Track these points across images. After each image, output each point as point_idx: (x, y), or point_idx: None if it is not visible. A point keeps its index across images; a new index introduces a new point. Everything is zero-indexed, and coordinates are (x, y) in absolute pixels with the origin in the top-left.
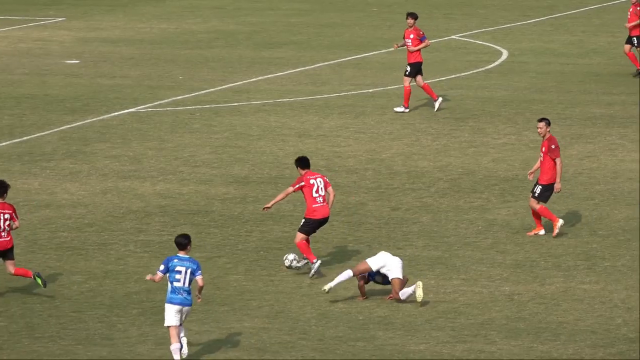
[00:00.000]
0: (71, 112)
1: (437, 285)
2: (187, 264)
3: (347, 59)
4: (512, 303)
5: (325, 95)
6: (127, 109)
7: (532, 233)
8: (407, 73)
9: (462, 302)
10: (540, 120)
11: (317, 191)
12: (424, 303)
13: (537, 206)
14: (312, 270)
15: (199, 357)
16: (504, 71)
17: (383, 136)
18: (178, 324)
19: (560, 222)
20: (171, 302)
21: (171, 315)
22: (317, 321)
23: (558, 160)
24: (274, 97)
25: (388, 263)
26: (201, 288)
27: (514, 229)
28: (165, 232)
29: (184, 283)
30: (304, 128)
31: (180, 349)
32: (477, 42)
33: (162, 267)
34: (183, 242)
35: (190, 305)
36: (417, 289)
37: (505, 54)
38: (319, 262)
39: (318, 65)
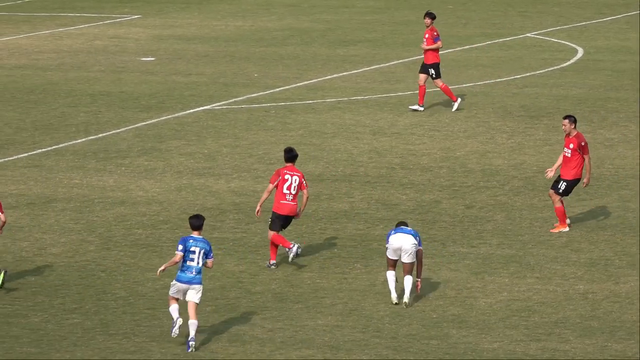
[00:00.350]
0: (146, 110)
1: (511, 284)
2: (201, 244)
3: (421, 56)
4: (586, 302)
5: (400, 93)
6: (202, 107)
7: (556, 230)
8: (433, 76)
9: (536, 301)
10: (565, 117)
11: (288, 188)
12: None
13: (559, 204)
14: (291, 255)
15: (272, 355)
16: (579, 69)
17: (457, 134)
18: (179, 297)
19: (567, 229)
20: (179, 281)
21: (175, 291)
22: (390, 319)
23: (587, 157)
24: (349, 95)
25: (403, 246)
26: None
27: (589, 227)
28: (239, 229)
29: (197, 263)
30: (378, 126)
31: (174, 327)
32: (552, 39)
33: (180, 247)
34: (197, 224)
35: (200, 284)
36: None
37: (580, 52)
38: (297, 245)
39: (392, 63)
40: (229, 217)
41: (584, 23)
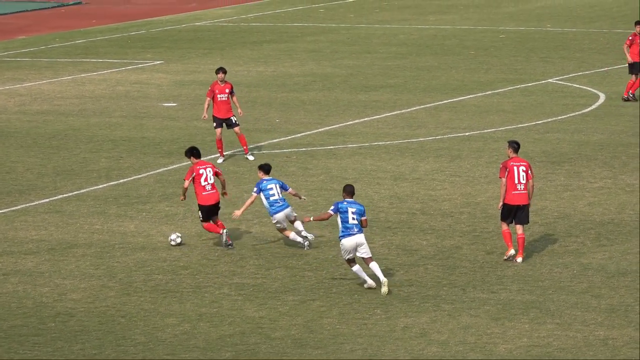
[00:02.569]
0: (167, 155)
1: (531, 330)
2: (274, 181)
3: (443, 102)
4: (606, 348)
5: (421, 139)
6: (224, 152)
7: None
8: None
9: (556, 347)
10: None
11: (205, 179)
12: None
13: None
14: (224, 238)
15: None
16: (601, 115)
17: (479, 179)
18: (284, 227)
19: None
20: (276, 212)
21: (281, 220)
22: None
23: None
24: (370, 140)
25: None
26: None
27: (609, 273)
28: (260, 275)
29: (278, 195)
30: (399, 171)
31: (304, 239)
32: (574, 85)
33: (255, 189)
34: (268, 168)
35: (289, 206)
36: (383, 287)
37: (602, 98)
38: (226, 230)
39: (414, 108)
40: (249, 263)
41: (605, 69)
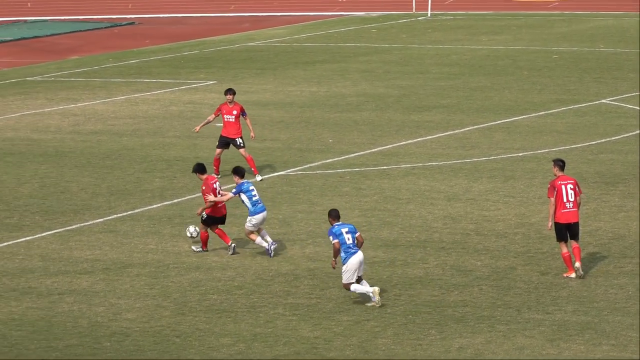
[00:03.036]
0: (221, 175)
1: (587, 351)
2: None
3: (496, 122)
4: None
5: (475, 159)
6: (277, 172)
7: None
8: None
9: None
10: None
11: (213, 191)
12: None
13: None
14: (231, 251)
15: None
16: None
17: (532, 200)
18: (256, 230)
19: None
20: (259, 212)
21: (259, 222)
22: None
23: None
24: (423, 161)
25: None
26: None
27: None
28: (314, 295)
29: (258, 196)
30: (452, 192)
31: (270, 244)
32: (627, 105)
33: (234, 190)
34: (243, 172)
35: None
36: (375, 296)
37: None
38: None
39: (467, 128)
40: (303, 283)
41: None
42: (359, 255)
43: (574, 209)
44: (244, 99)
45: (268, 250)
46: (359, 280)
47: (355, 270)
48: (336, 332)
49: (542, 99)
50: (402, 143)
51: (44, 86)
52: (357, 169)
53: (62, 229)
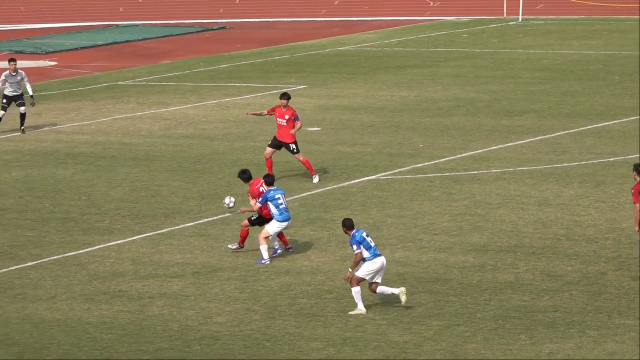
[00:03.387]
0: (311, 179)
1: None
2: (280, 191)
3: (587, 127)
4: None
5: (566, 164)
6: (367, 176)
7: None
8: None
9: None
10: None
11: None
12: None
13: None
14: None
15: None
16: None
17: (623, 205)
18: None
19: None
20: (286, 220)
21: (278, 230)
22: None
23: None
24: (514, 166)
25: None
26: None
27: None
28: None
29: (285, 204)
30: (543, 197)
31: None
32: None
33: (260, 200)
34: (272, 179)
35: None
36: (402, 295)
37: None
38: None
39: (558, 133)
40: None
41: None
42: (382, 259)
43: None
44: (334, 104)
45: (275, 251)
46: (376, 287)
47: (377, 272)
48: (426, 337)
49: (633, 103)
50: (492, 148)
51: (136, 90)
52: (447, 174)
53: (153, 233)
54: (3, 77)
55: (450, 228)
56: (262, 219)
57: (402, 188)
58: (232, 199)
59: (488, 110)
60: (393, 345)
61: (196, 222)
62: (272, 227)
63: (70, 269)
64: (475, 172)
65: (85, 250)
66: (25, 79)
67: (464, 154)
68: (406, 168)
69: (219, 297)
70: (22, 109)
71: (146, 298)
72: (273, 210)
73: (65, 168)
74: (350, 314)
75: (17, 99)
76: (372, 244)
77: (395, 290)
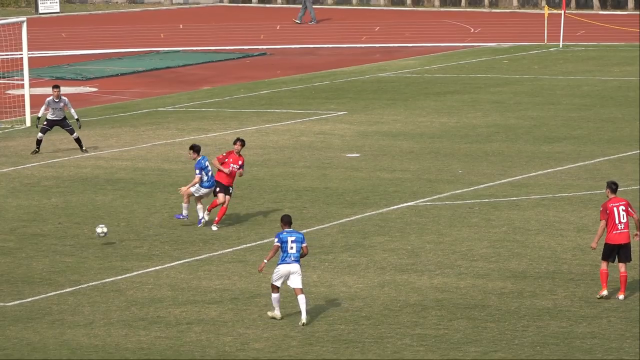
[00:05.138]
0: (350, 205)
1: None
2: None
3: (627, 153)
4: None
5: (605, 190)
6: (406, 203)
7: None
8: None
9: None
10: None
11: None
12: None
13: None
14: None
15: None
16: None
17: None
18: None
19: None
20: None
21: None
22: None
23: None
24: (553, 192)
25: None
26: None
27: None
28: (442, 326)
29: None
30: (582, 223)
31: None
32: None
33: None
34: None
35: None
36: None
37: None
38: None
39: (598, 160)
40: (431, 314)
41: None
42: (292, 267)
43: (625, 230)
44: (374, 130)
45: (199, 220)
46: (297, 293)
47: (282, 277)
48: None
49: None
50: (532, 174)
51: (176, 116)
52: (486, 200)
53: (191, 259)
54: (46, 103)
55: (488, 254)
56: (226, 187)
57: (441, 214)
58: (104, 227)
59: (528, 136)
60: None
61: (234, 248)
62: (195, 188)
63: (108, 295)
64: (514, 198)
65: (123, 276)
66: (69, 105)
67: (503, 180)
68: (445, 194)
69: (257, 323)
70: (74, 135)
71: (184, 324)
72: (204, 177)
73: (105, 194)
74: (269, 314)
75: (62, 125)
76: (290, 252)
77: (302, 314)
